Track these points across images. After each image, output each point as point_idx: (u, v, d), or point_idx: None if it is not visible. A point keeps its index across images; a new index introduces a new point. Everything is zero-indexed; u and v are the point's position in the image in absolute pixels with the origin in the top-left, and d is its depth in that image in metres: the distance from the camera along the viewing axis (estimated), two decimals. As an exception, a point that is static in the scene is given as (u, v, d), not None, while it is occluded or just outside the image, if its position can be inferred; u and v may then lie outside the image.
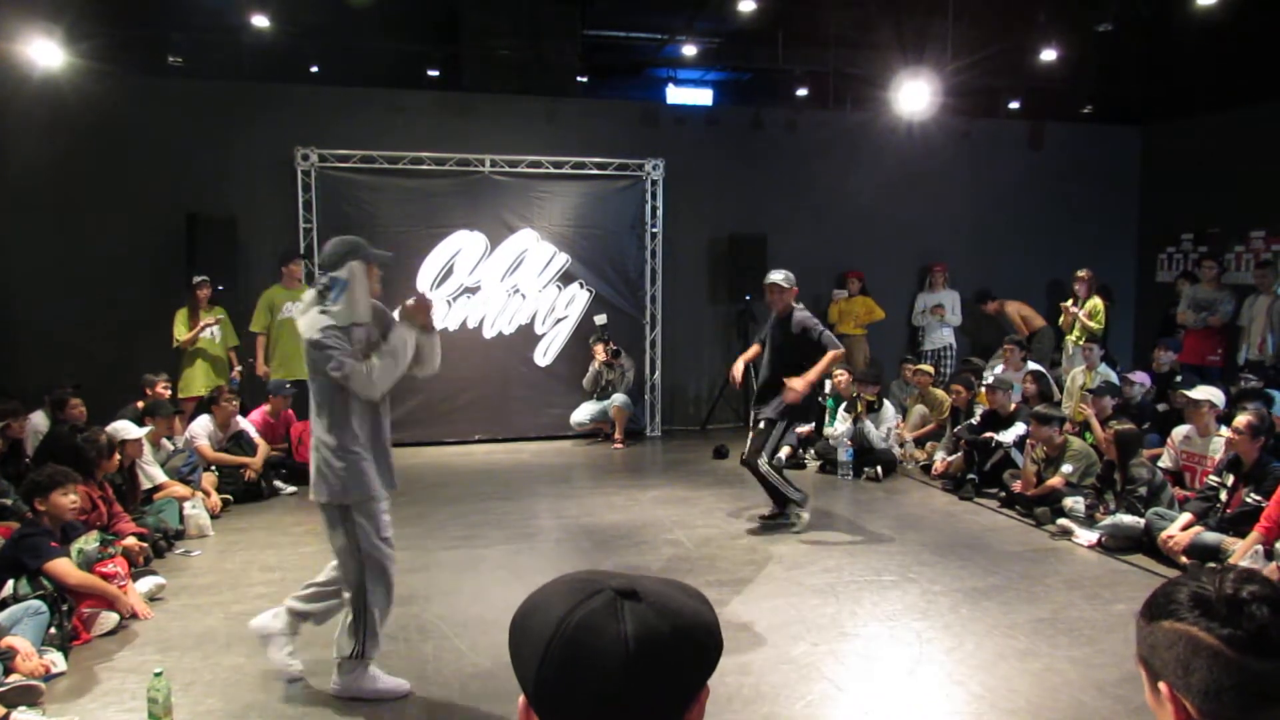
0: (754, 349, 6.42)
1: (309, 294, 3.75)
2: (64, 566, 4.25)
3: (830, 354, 5.88)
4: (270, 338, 8.12)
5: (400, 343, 3.62)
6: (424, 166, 8.94)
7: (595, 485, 7.55)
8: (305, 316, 3.63)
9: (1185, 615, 1.09)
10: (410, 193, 8.93)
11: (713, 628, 0.93)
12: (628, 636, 0.85)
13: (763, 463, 6.02)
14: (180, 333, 7.74)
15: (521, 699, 0.90)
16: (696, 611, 0.92)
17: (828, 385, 8.88)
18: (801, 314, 6.05)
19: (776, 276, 6.10)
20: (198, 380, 7.78)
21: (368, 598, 3.64)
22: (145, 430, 6.05)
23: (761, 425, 6.05)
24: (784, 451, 6.58)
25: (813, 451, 8.29)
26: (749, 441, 6.13)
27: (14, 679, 3.59)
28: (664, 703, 0.88)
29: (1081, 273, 9.12)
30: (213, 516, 6.19)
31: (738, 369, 6.47)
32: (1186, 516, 5.37)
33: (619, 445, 9.05)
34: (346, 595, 3.69)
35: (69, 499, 4.51)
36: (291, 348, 8.04)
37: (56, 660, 3.91)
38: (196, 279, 7.84)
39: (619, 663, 0.84)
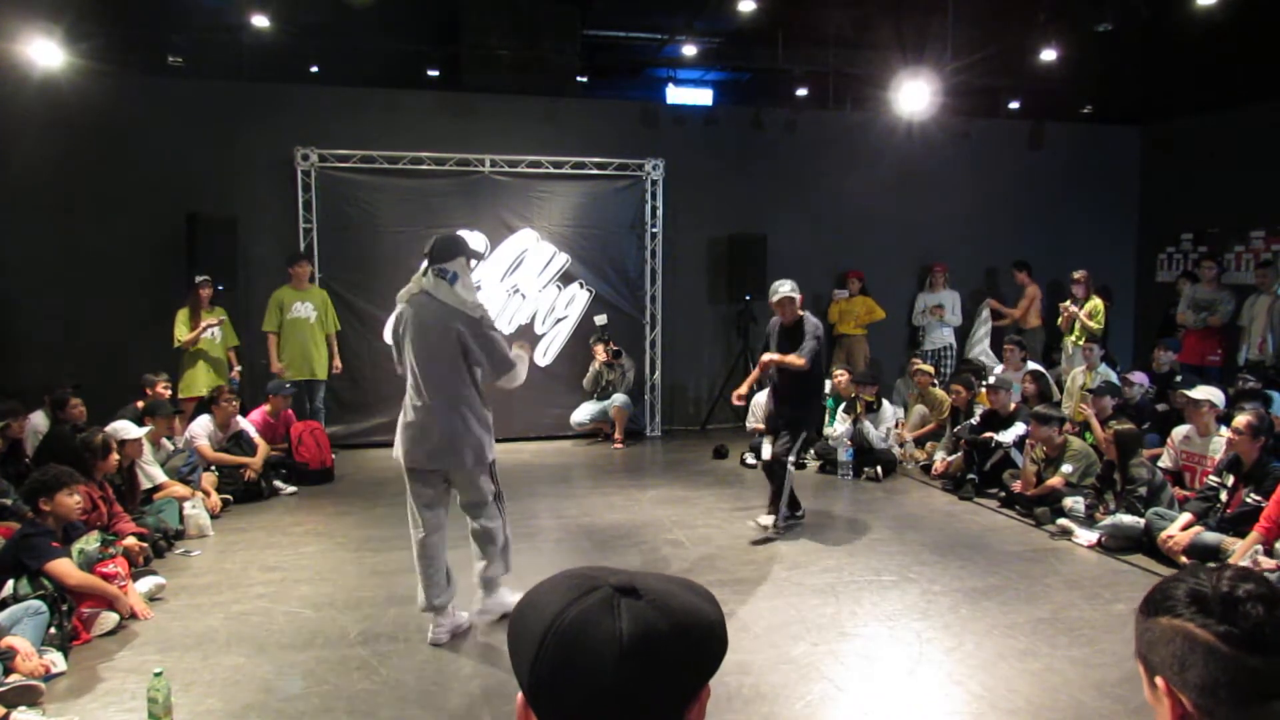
0: (756, 373, 6.32)
1: (428, 278, 4.22)
2: (65, 567, 4.25)
3: (796, 359, 5.82)
4: (281, 336, 8.16)
5: (521, 361, 4.42)
6: (424, 166, 8.94)
7: (595, 485, 7.56)
8: (445, 291, 4.19)
9: (1182, 611, 1.10)
10: (410, 193, 8.93)
11: (715, 626, 0.92)
12: (622, 633, 0.85)
13: (790, 461, 6.05)
14: (181, 333, 7.73)
15: (520, 695, 0.90)
16: (699, 610, 0.91)
17: (828, 385, 8.88)
18: (811, 321, 5.96)
19: (786, 289, 5.96)
20: (199, 380, 7.77)
21: (507, 528, 4.52)
22: (145, 430, 6.05)
23: (786, 434, 6.08)
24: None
25: (813, 452, 8.28)
26: (775, 444, 6.14)
27: (14, 679, 3.59)
28: (660, 701, 0.87)
29: (1078, 274, 9.13)
30: (212, 516, 6.19)
31: (743, 392, 6.46)
32: (1186, 516, 5.37)
33: (619, 445, 9.05)
34: (492, 526, 4.41)
35: (74, 499, 4.52)
36: (301, 348, 8.09)
37: (56, 660, 3.91)
38: (198, 279, 7.85)
39: (611, 660, 0.84)
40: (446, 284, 4.17)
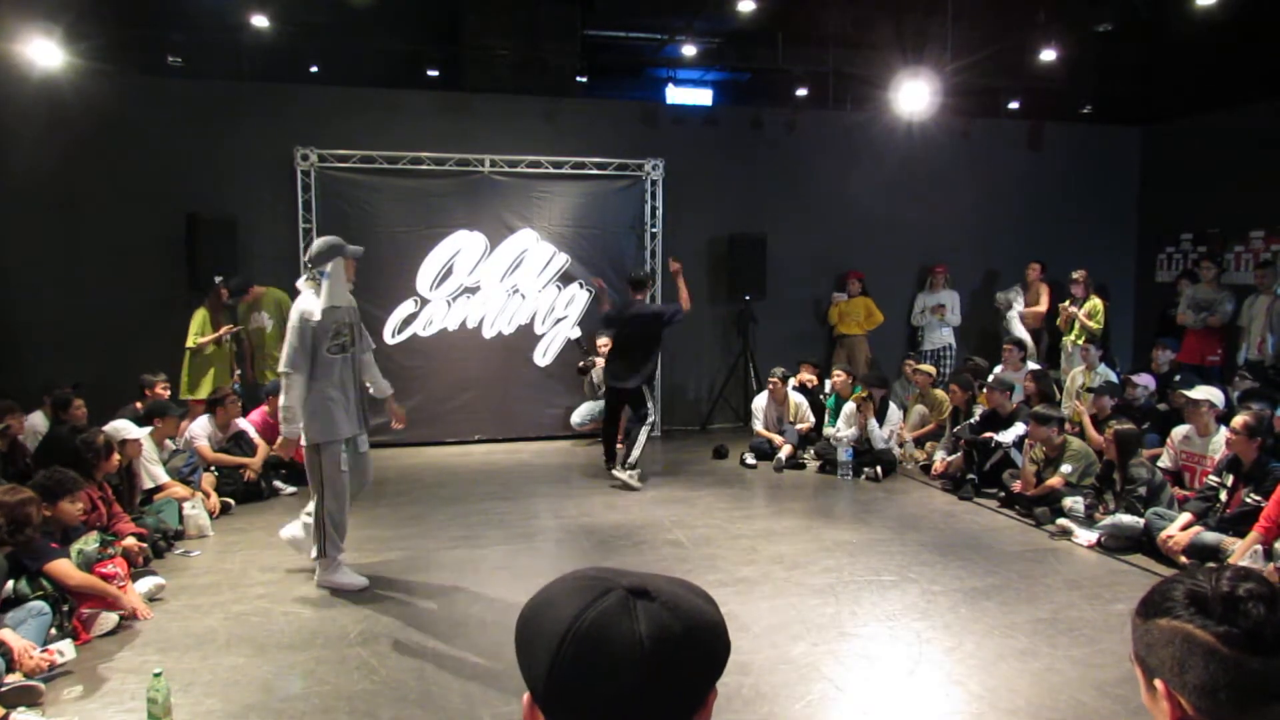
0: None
1: (301, 280, 4.94)
2: (64, 567, 4.25)
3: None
4: (250, 344, 8.33)
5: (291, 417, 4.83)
6: (424, 166, 8.94)
7: (594, 485, 7.55)
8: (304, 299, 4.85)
9: (1181, 613, 1.09)
10: (410, 193, 8.93)
11: (721, 629, 0.92)
12: (642, 636, 0.84)
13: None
14: (198, 335, 7.80)
15: (526, 697, 0.89)
16: (705, 612, 0.91)
17: (828, 385, 8.88)
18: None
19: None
20: (213, 382, 7.87)
21: (323, 511, 4.93)
22: (146, 430, 6.06)
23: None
24: None
25: (812, 451, 8.29)
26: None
27: (13, 679, 3.59)
28: (676, 703, 0.87)
29: (1077, 274, 9.13)
30: (212, 517, 6.18)
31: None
32: (1186, 516, 5.37)
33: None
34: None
35: (77, 506, 4.50)
36: (259, 356, 8.26)
37: (65, 649, 3.91)
38: (217, 279, 7.95)
39: (634, 662, 0.84)
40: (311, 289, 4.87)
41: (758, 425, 8.56)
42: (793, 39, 10.98)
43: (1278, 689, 1.04)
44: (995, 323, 10.56)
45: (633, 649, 0.84)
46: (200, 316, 7.86)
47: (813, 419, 8.46)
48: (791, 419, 8.45)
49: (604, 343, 9.12)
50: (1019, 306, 10.06)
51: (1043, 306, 9.97)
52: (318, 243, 4.92)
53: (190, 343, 7.81)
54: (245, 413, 7.45)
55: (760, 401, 8.65)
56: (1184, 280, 9.54)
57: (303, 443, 4.88)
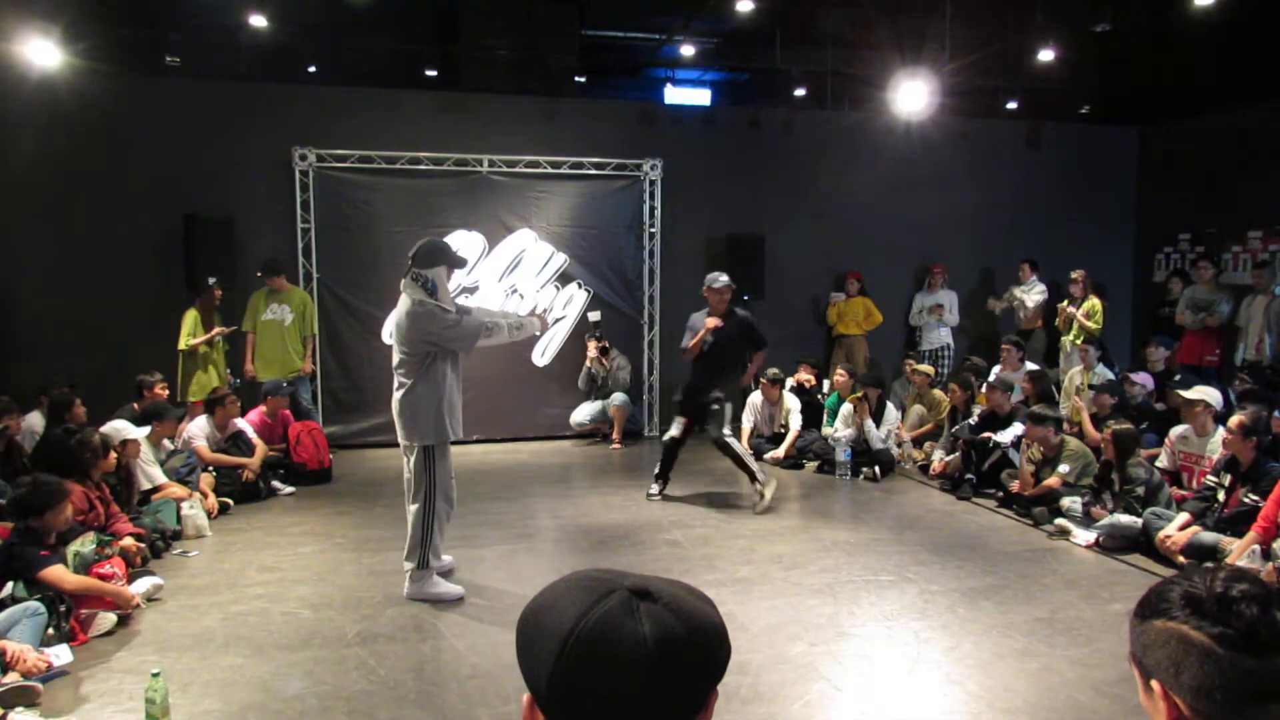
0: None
1: (405, 280, 4.66)
2: (58, 573, 4.22)
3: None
4: (256, 338, 8.21)
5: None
6: (422, 166, 8.94)
7: (593, 485, 7.55)
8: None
9: (1177, 614, 1.10)
10: (408, 192, 8.93)
11: (722, 631, 0.92)
12: (646, 637, 0.84)
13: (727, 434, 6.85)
14: (189, 337, 7.77)
15: (526, 697, 0.89)
16: (708, 614, 0.91)
17: (826, 385, 8.89)
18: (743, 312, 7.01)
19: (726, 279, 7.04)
20: (211, 383, 7.82)
21: (431, 514, 4.73)
22: (145, 430, 6.05)
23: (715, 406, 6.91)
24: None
25: (811, 452, 8.28)
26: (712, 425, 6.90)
27: (11, 679, 3.59)
28: (678, 704, 0.87)
29: (1076, 274, 9.14)
30: (210, 517, 6.18)
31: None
32: (1184, 516, 5.37)
33: (617, 446, 9.04)
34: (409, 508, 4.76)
35: (63, 516, 4.44)
36: (273, 350, 8.17)
37: (61, 653, 3.90)
38: (210, 280, 7.91)
39: (638, 663, 0.84)
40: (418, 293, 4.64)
41: (746, 424, 8.58)
42: (791, 39, 10.99)
43: (1272, 689, 1.05)
44: (993, 323, 10.58)
45: (637, 649, 0.84)
46: (191, 318, 7.86)
47: (796, 425, 8.37)
48: (784, 421, 8.46)
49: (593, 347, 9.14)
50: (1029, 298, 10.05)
51: (1035, 318, 10.02)
52: (424, 244, 4.66)
53: (182, 344, 7.80)
54: (243, 412, 7.45)
55: (755, 399, 8.66)
56: (1175, 280, 9.60)
57: (406, 441, 4.69)
